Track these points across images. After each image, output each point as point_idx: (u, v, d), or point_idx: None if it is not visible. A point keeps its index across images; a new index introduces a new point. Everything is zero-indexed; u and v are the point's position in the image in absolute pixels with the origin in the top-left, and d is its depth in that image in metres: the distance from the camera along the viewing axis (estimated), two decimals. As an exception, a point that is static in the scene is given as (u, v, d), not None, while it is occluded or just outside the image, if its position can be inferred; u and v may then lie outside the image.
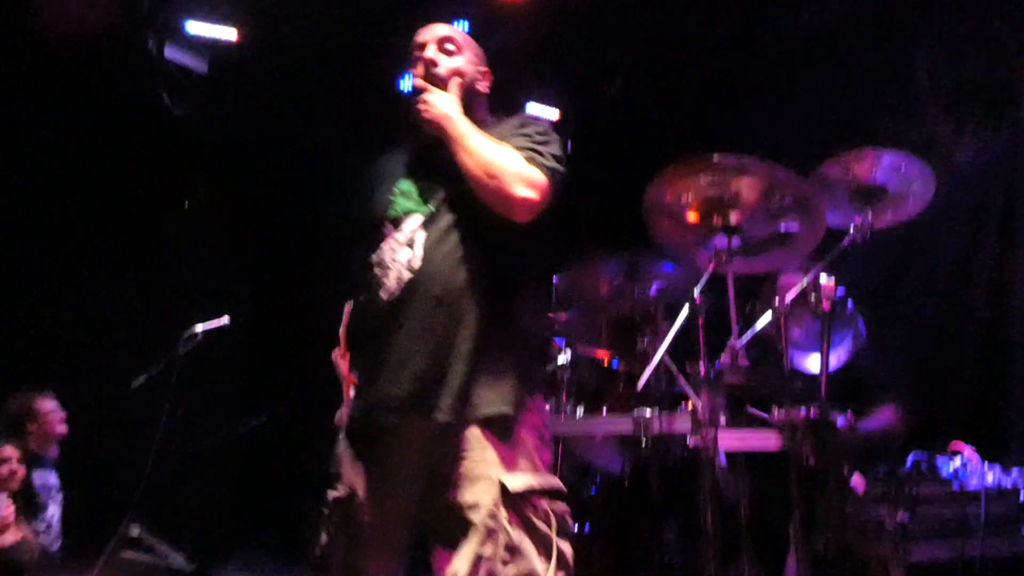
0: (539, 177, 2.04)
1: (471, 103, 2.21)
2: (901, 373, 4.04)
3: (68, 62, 5.42)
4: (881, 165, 2.97)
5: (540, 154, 2.07)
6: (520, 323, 2.11)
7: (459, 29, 2.31)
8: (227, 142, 6.37)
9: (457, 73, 2.21)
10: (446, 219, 2.10)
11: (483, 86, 2.29)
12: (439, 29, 2.26)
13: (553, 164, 2.08)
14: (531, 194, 2.03)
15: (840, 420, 2.80)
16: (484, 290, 2.04)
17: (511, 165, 2.03)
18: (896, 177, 2.99)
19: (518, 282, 2.14)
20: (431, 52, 2.22)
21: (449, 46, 2.24)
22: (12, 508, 3.99)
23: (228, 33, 5.90)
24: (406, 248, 2.08)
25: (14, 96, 5.42)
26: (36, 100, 5.54)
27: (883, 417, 3.55)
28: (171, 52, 5.97)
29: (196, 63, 6.12)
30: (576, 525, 3.16)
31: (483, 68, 2.30)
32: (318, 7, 5.61)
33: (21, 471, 4.10)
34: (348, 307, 4.05)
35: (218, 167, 6.48)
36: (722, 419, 2.80)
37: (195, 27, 5.85)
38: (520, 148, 2.08)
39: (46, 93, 5.55)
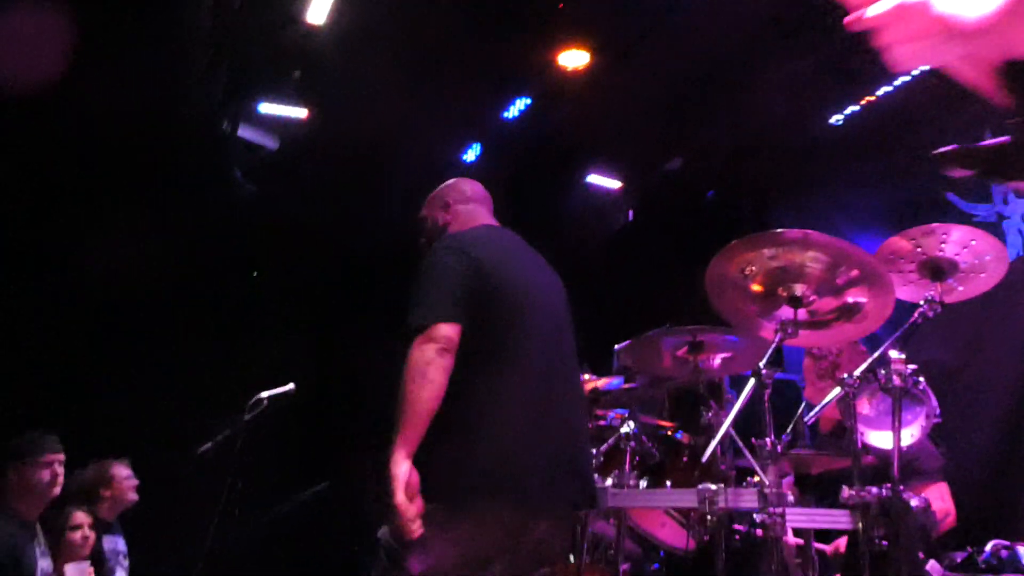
0: (412, 331, 2.30)
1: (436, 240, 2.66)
2: (961, 457, 3.88)
3: (146, 141, 5.67)
4: (951, 240, 2.93)
5: (409, 308, 2.34)
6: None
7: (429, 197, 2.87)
8: (295, 215, 6.56)
9: (424, 236, 2.81)
10: None
11: (443, 218, 2.79)
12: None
13: (415, 315, 2.31)
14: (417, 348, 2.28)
15: (915, 501, 2.70)
16: None
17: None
18: (967, 252, 2.94)
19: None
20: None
21: (421, 221, 2.84)
22: (92, 573, 4.05)
23: (298, 112, 6.16)
24: None
25: (92, 173, 5.67)
26: (114, 179, 5.79)
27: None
28: (244, 131, 6.24)
29: (267, 140, 6.39)
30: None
31: (443, 206, 2.80)
32: (384, 89, 5.82)
33: (93, 537, 4.16)
34: None
35: (285, 240, 6.67)
36: (790, 496, 2.73)
37: (268, 107, 6.12)
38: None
39: (124, 173, 5.80)
